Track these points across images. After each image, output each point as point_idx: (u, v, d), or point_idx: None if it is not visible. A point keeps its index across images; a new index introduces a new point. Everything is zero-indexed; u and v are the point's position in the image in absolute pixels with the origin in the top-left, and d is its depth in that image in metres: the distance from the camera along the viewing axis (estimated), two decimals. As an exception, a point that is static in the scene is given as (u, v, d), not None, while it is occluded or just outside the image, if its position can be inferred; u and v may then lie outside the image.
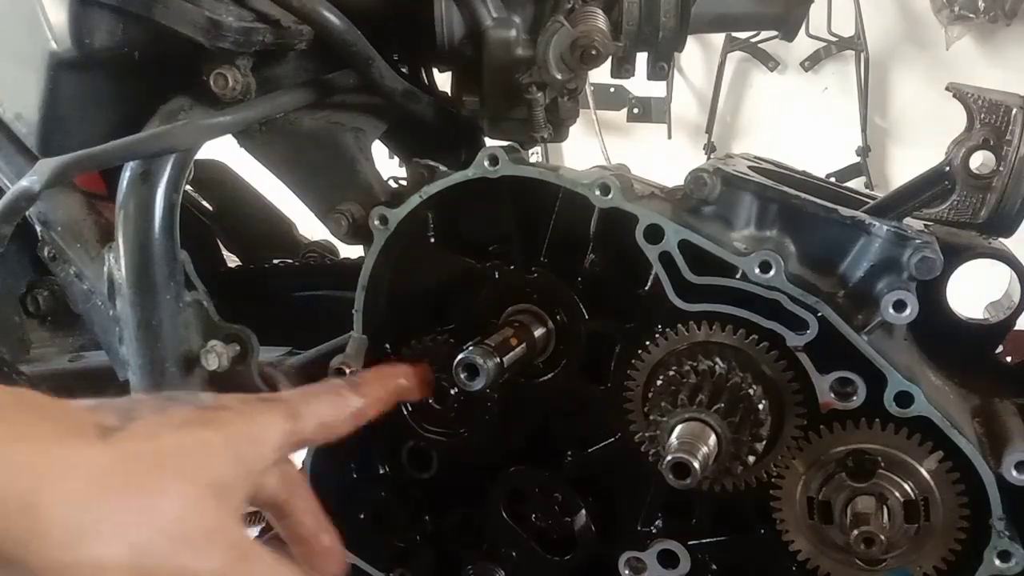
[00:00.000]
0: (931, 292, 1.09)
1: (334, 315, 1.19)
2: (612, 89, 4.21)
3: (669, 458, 0.85)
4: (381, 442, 1.22)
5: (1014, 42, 3.87)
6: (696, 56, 4.31)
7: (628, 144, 4.28)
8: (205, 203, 1.87)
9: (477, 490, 1.16)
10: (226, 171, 1.91)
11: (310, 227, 1.85)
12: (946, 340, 1.10)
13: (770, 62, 4.18)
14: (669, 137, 4.26)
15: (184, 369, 1.06)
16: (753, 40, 4.13)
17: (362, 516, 1.23)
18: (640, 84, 4.30)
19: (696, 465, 0.83)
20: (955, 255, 1.09)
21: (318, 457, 1.17)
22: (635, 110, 4.29)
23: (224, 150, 1.34)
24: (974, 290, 1.22)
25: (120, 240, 1.05)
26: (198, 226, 1.81)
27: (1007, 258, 1.12)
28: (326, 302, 1.60)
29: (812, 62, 4.13)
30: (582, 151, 4.13)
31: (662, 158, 4.10)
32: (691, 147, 4.27)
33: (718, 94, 4.23)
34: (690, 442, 0.86)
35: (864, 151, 4.04)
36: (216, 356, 1.03)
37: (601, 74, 1.24)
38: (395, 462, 1.22)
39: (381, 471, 1.23)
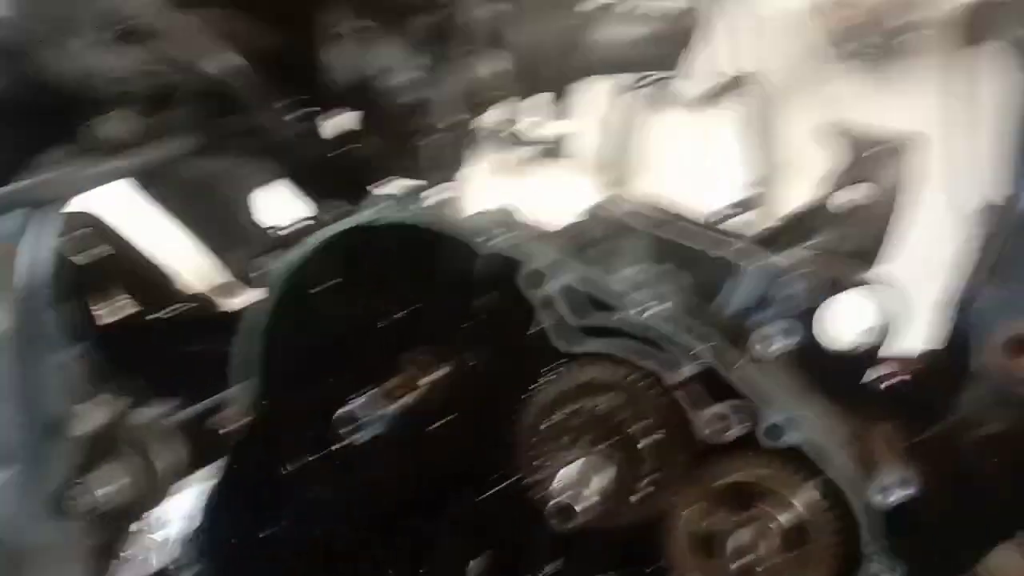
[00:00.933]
0: (805, 322, 1.13)
1: (218, 371, 1.16)
2: (515, 128, 4.26)
3: (553, 502, 0.85)
4: (271, 500, 1.19)
5: (897, 78, 4.10)
6: (595, 94, 4.41)
7: (531, 182, 4.33)
8: (78, 257, 1.80)
9: (369, 547, 1.14)
10: (99, 223, 1.84)
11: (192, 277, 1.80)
12: (821, 368, 1.14)
13: (667, 99, 4.31)
14: (571, 175, 4.33)
15: (54, 433, 1.01)
16: (650, 78, 4.26)
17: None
18: (543, 123, 4.38)
19: (579, 508, 0.84)
20: (827, 287, 1.14)
21: (204, 525, 1.13)
22: (538, 149, 4.36)
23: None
24: (851, 318, 1.27)
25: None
26: (73, 281, 1.73)
27: (878, 287, 1.17)
28: (209, 356, 1.55)
29: (706, 98, 4.28)
30: (486, 190, 4.15)
31: (563, 196, 4.16)
32: (591, 184, 4.35)
33: (617, 132, 4.34)
34: (574, 485, 0.87)
35: (756, 185, 4.19)
36: (87, 419, 0.99)
37: (500, 114, 1.27)
38: (287, 520, 1.18)
39: (272, 530, 1.19)
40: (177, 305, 1.67)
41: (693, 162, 4.33)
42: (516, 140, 4.31)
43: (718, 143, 4.36)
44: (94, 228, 1.77)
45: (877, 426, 1.06)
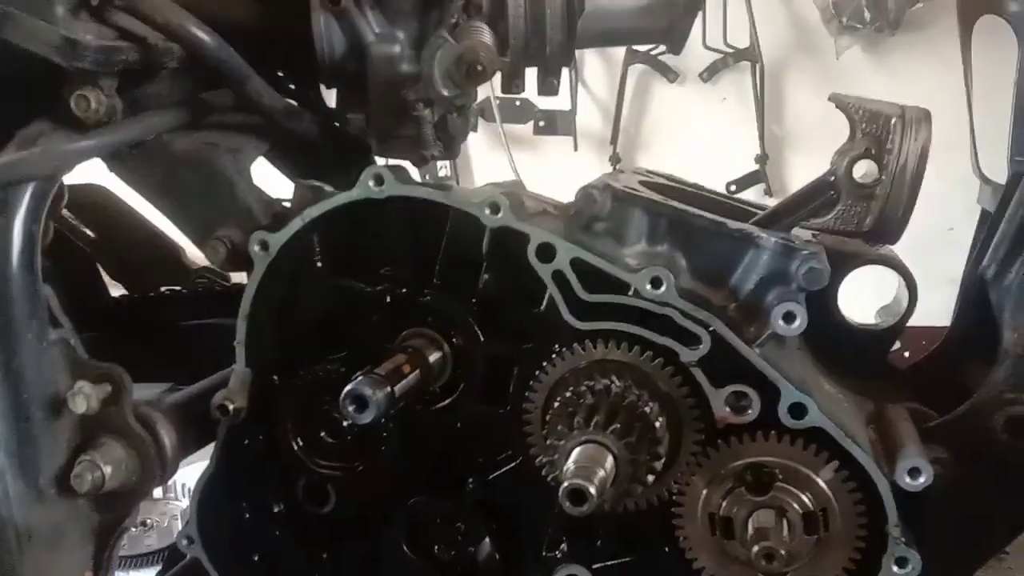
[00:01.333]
0: (822, 300, 1.10)
1: (227, 346, 1.13)
2: (518, 103, 4.21)
3: (565, 484, 0.82)
4: (274, 479, 1.16)
5: (899, 51, 4.04)
6: (598, 69, 4.35)
7: (535, 157, 4.28)
8: (85, 229, 1.77)
9: (377, 524, 1.12)
10: (107, 195, 1.81)
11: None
12: (839, 347, 1.11)
13: (670, 74, 4.25)
14: (575, 149, 4.28)
15: (50, 413, 0.98)
16: (653, 52, 4.20)
17: (256, 558, 1.16)
18: (546, 98, 4.32)
19: (592, 490, 0.81)
20: (843, 263, 1.11)
21: (206, 499, 1.10)
22: (541, 123, 4.29)
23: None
24: (867, 296, 1.24)
25: (-26, 277, 0.97)
26: (77, 254, 1.71)
27: (893, 263, 1.14)
28: (218, 331, 1.53)
29: (710, 73, 4.22)
30: (489, 165, 4.10)
31: (569, 170, 4.12)
32: (597, 159, 4.31)
33: (621, 106, 4.28)
34: (586, 466, 0.84)
35: (762, 159, 4.14)
36: (84, 398, 0.95)
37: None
38: (290, 499, 1.16)
39: (276, 509, 1.17)
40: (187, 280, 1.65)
41: (696, 137, 4.28)
42: (529, 112, 4.25)
43: (720, 118, 4.31)
44: (99, 201, 1.74)
45: (899, 406, 1.03)
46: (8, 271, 0.96)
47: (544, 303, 0.99)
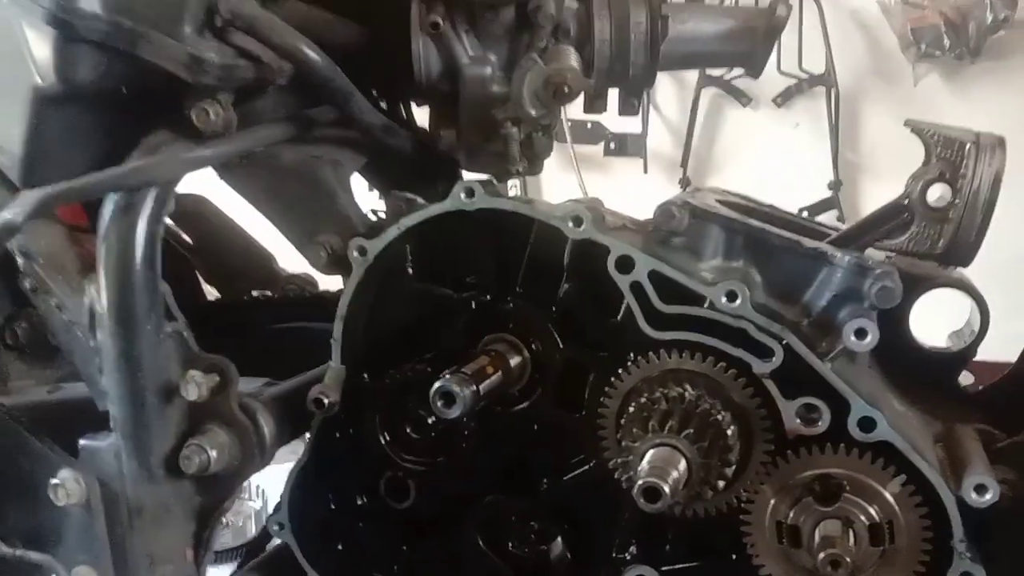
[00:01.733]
0: (894, 321, 1.13)
1: (313, 347, 1.21)
2: (589, 125, 4.28)
3: (640, 482, 0.87)
4: (360, 473, 1.23)
5: (978, 79, 3.98)
6: (671, 92, 4.39)
7: (605, 178, 4.34)
8: (185, 236, 1.89)
9: (454, 520, 1.17)
10: (206, 205, 1.93)
11: (290, 260, 1.87)
12: (910, 368, 1.13)
13: (743, 98, 4.27)
14: (645, 171, 4.33)
15: (164, 399, 1.06)
16: (726, 77, 4.22)
17: (340, 547, 1.24)
18: (616, 120, 4.38)
19: (666, 489, 0.85)
20: (915, 285, 1.13)
21: (297, 488, 1.18)
22: (611, 145, 4.36)
23: (205, 183, 1.36)
24: (937, 319, 1.26)
25: (101, 271, 1.06)
26: (178, 259, 1.82)
27: (966, 287, 1.15)
28: (305, 334, 1.61)
29: (784, 98, 4.22)
30: (560, 185, 4.18)
31: (638, 192, 4.16)
32: (666, 181, 4.34)
33: (692, 129, 4.31)
34: (660, 467, 0.88)
35: (836, 185, 4.12)
36: (196, 386, 1.04)
37: (578, 109, 1.28)
38: (373, 493, 1.23)
39: (359, 502, 1.24)
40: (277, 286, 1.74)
41: (767, 162, 4.28)
42: (600, 133, 4.31)
43: (793, 143, 4.30)
44: (199, 210, 1.86)
45: (968, 427, 1.05)
46: (132, 267, 1.06)
47: (621, 313, 1.04)
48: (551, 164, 1.37)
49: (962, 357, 1.17)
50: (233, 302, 1.74)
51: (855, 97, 4.22)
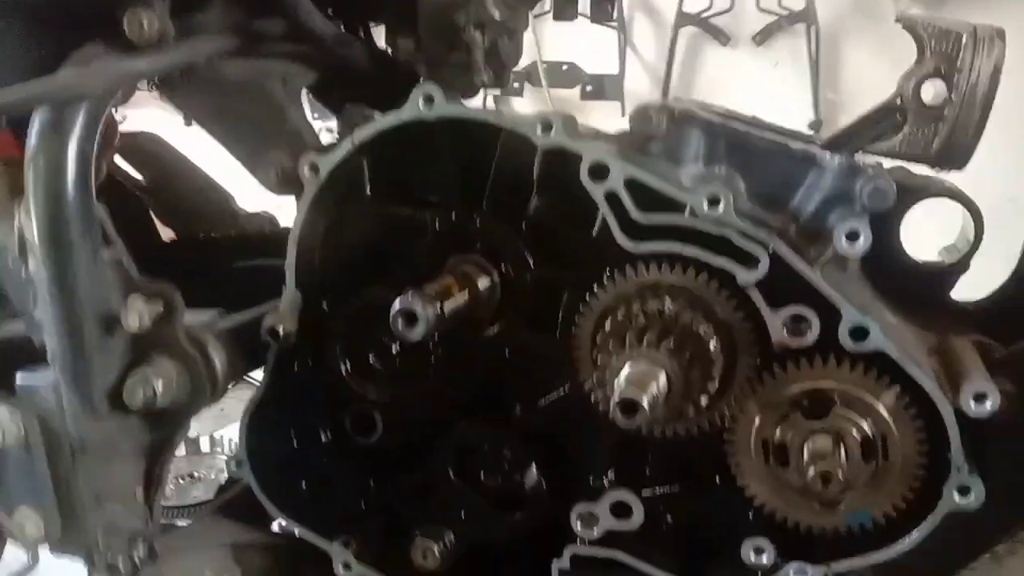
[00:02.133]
0: (885, 235, 1.07)
1: (274, 286, 1.13)
2: (565, 67, 4.17)
3: (616, 396, 0.81)
4: (322, 408, 1.17)
5: (961, 12, 3.90)
6: (648, 32, 4.29)
7: (582, 122, 4.25)
8: (138, 176, 1.79)
9: (423, 452, 1.11)
10: (160, 143, 1.83)
11: (250, 200, 1.79)
12: (901, 284, 1.08)
13: (721, 37, 4.18)
14: (623, 114, 4.23)
15: (104, 330, 0.99)
16: (704, 15, 4.13)
17: (304, 485, 1.17)
18: (593, 62, 4.27)
19: (645, 402, 0.79)
20: (907, 196, 1.07)
21: (253, 427, 1.11)
22: (588, 88, 4.26)
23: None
24: (927, 238, 1.20)
25: (31, 193, 0.98)
26: (131, 199, 1.73)
27: (958, 196, 1.09)
28: (266, 273, 1.54)
29: (763, 36, 4.14)
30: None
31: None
32: (645, 123, 4.26)
33: (671, 70, 4.22)
34: (638, 380, 0.82)
35: (816, 125, 4.05)
36: (137, 314, 0.96)
37: (554, 52, 1.20)
38: (337, 428, 1.17)
39: (323, 439, 1.18)
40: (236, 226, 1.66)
41: (747, 102, 4.20)
42: (576, 76, 4.21)
43: (773, 82, 4.22)
44: (151, 148, 1.77)
45: (963, 338, 0.99)
46: (63, 188, 0.97)
47: (596, 227, 0.97)
48: (526, 109, 1.29)
49: (955, 270, 1.11)
50: (189, 241, 1.65)
51: (836, 35, 4.14)
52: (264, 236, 1.65)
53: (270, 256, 1.55)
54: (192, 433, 3.54)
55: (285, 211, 1.17)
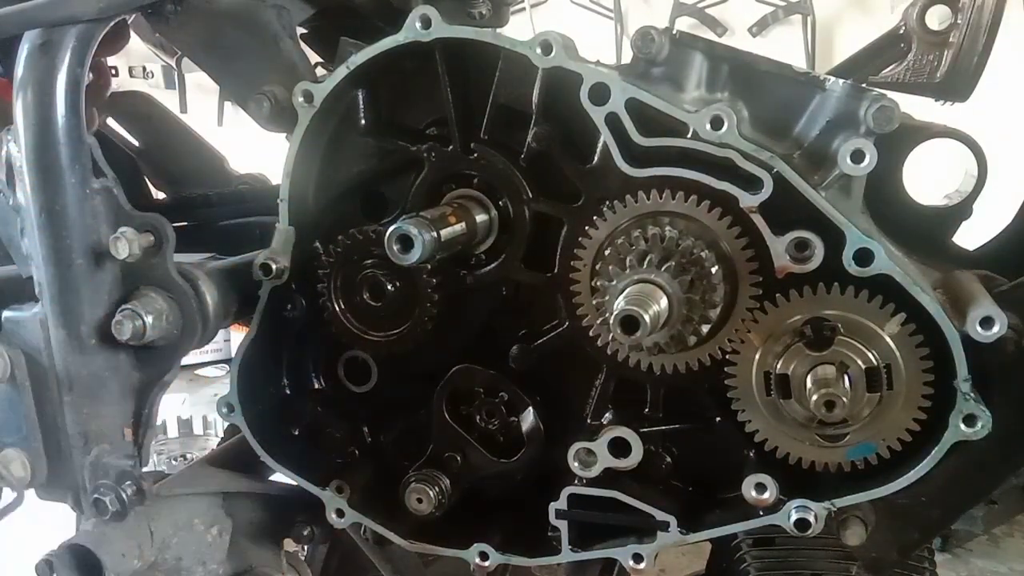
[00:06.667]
0: (888, 177, 1.05)
1: (265, 240, 1.11)
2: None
3: (616, 312, 0.78)
4: (316, 355, 1.15)
5: None
6: (644, 22, 4.28)
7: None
8: (131, 137, 1.77)
9: (418, 398, 1.09)
10: (153, 103, 1.81)
11: (242, 161, 1.77)
12: (905, 225, 1.06)
13: (718, 28, 4.17)
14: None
15: (93, 261, 0.97)
16: (701, 5, 4.12)
17: (296, 432, 1.15)
18: (589, 52, 4.25)
19: (646, 318, 0.77)
20: (910, 137, 1.05)
21: (245, 368, 1.08)
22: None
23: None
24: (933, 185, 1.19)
25: (19, 120, 0.96)
26: (124, 160, 1.71)
27: (961, 136, 1.07)
28: (259, 228, 1.52)
29: (760, 27, 4.14)
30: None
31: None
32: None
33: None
34: (639, 298, 0.80)
35: (812, 114, 4.05)
36: (127, 243, 0.94)
37: None
38: (331, 376, 1.15)
39: (316, 386, 1.16)
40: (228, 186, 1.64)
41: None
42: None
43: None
44: (144, 109, 1.75)
45: (968, 272, 0.97)
46: (53, 113, 0.95)
47: (596, 155, 0.95)
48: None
49: (959, 212, 1.10)
50: (183, 200, 1.63)
51: (831, 26, 4.13)
52: (255, 193, 1.63)
53: (259, 211, 1.54)
54: (185, 415, 3.51)
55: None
